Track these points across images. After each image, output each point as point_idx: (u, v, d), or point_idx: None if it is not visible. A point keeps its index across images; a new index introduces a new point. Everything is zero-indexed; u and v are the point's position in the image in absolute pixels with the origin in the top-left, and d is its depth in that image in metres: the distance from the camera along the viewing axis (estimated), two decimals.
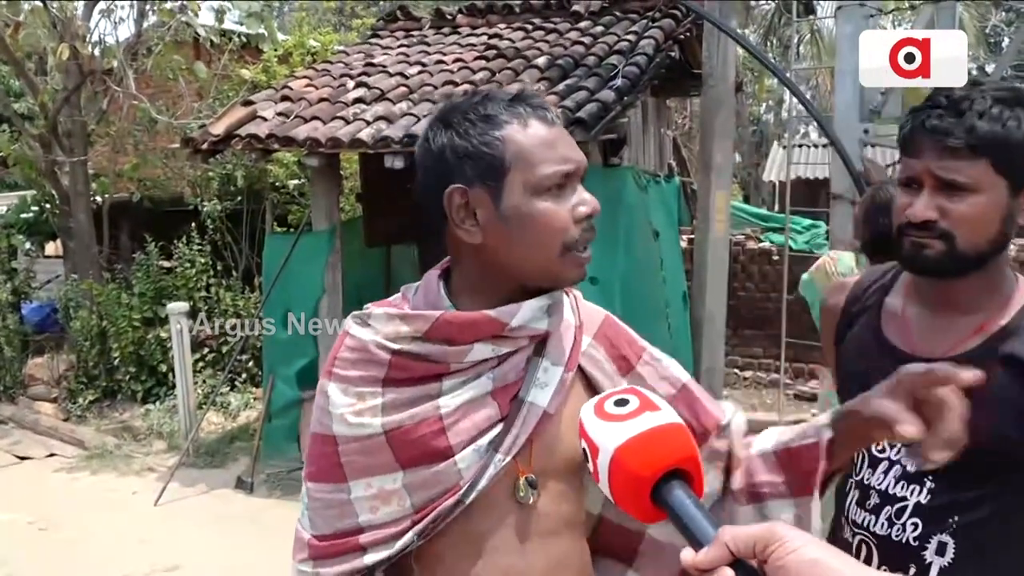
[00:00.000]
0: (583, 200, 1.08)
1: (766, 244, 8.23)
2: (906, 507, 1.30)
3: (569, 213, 1.07)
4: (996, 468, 1.25)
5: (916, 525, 1.29)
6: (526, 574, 1.12)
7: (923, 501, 1.29)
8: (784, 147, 10.50)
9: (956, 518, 1.27)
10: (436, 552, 1.12)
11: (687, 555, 0.73)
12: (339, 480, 1.13)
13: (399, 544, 1.09)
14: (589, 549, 1.24)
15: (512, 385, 1.12)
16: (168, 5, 7.56)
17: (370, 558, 1.11)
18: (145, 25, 7.90)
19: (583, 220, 1.08)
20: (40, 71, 8.20)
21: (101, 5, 7.97)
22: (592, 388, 1.18)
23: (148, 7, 7.87)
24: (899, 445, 1.30)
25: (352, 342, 1.14)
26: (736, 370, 7.87)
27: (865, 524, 1.35)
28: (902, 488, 1.31)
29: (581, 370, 1.18)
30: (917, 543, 1.28)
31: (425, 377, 1.10)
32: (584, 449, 0.91)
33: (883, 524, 1.32)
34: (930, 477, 1.28)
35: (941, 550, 1.27)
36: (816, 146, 13.91)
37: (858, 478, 1.39)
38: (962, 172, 1.20)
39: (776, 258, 7.83)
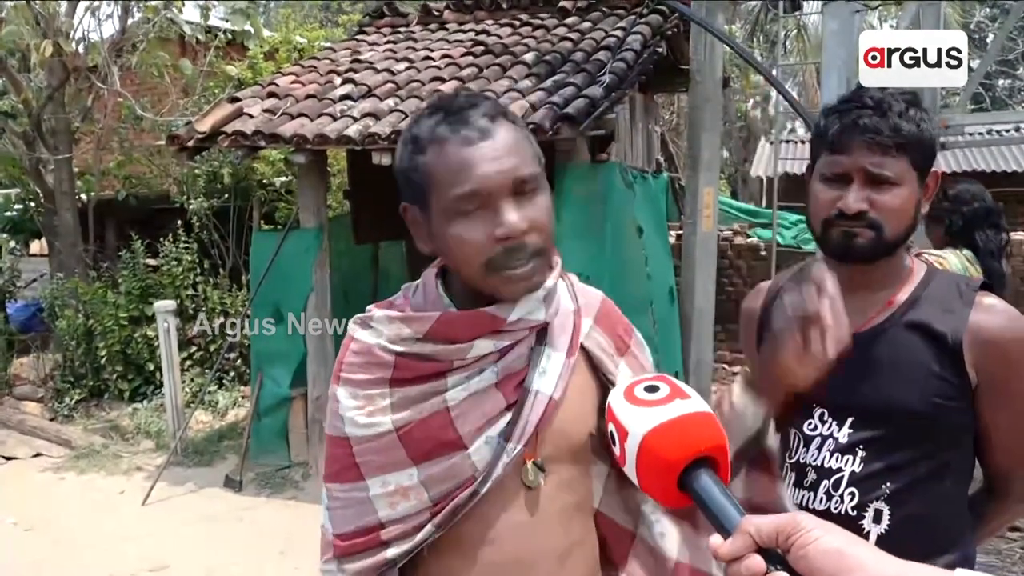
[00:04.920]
0: (502, 222, 1.04)
1: (754, 239, 8.27)
2: (842, 478, 1.37)
3: (486, 234, 1.05)
4: (921, 432, 1.33)
5: (853, 495, 1.35)
6: (537, 557, 1.14)
7: (857, 470, 1.36)
8: (771, 143, 10.54)
9: (888, 484, 1.34)
10: (450, 539, 1.14)
11: (715, 541, 0.75)
12: (356, 479, 1.15)
13: (419, 536, 1.12)
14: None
15: (517, 374, 1.14)
16: (153, 2, 7.50)
17: (392, 552, 1.14)
18: (130, 22, 7.84)
19: (505, 240, 1.04)
20: (23, 68, 8.12)
21: (85, 2, 7.91)
22: (595, 368, 1.21)
23: (133, 4, 7.81)
24: (830, 420, 1.39)
25: (357, 346, 1.17)
26: (724, 365, 7.91)
27: (804, 503, 1.40)
28: (836, 460, 1.38)
29: (584, 351, 1.20)
30: (855, 512, 1.35)
31: (430, 375, 1.12)
32: (611, 432, 0.92)
33: (821, 499, 1.38)
34: (861, 446, 1.36)
35: (877, 518, 1.34)
36: (803, 142, 13.97)
37: (793, 460, 1.44)
38: (889, 167, 1.33)
39: (764, 253, 7.87)
